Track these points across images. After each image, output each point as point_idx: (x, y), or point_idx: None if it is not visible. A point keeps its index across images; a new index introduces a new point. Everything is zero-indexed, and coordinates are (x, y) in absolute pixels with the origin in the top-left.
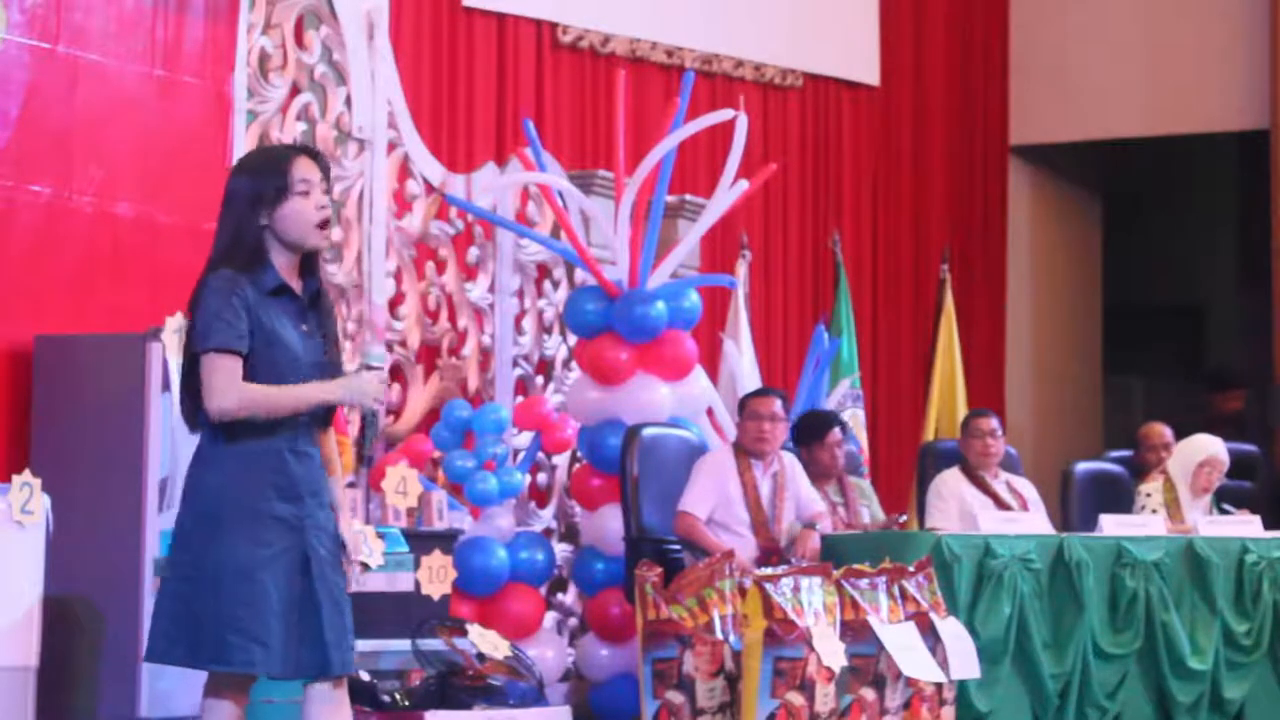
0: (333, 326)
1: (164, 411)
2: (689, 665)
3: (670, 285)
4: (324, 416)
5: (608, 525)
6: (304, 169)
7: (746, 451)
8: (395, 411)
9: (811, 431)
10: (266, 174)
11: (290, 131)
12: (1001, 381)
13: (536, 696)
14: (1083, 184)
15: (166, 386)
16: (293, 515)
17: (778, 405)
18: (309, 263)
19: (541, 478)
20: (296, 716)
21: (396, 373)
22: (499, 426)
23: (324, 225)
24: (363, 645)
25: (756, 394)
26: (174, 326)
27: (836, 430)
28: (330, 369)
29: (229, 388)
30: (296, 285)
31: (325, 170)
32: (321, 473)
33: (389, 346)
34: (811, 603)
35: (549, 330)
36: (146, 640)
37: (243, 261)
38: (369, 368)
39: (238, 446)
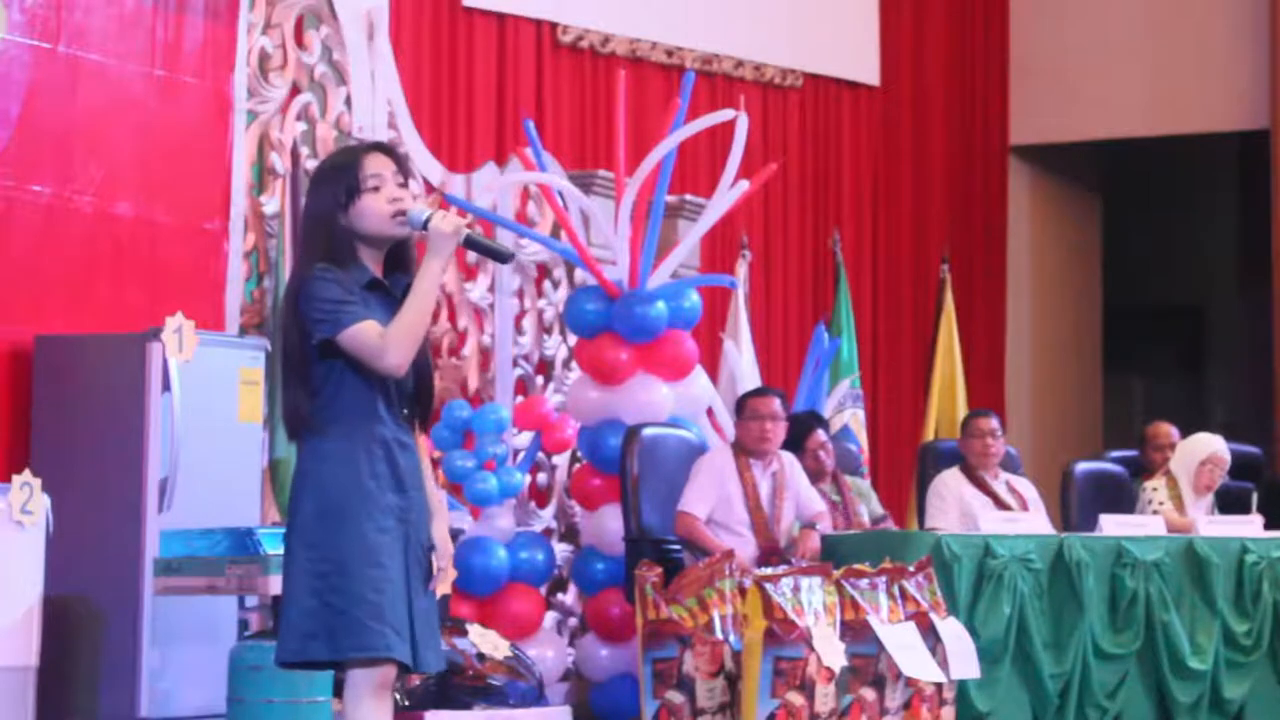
0: None
1: (164, 411)
2: (689, 665)
3: (670, 285)
4: (424, 409)
5: (608, 525)
6: (373, 165)
7: (747, 451)
8: None
9: (792, 438)
10: (337, 177)
11: (290, 131)
12: (1001, 381)
13: (536, 696)
14: (1083, 184)
15: (167, 386)
16: (399, 506)
17: (777, 404)
18: (400, 259)
19: (541, 478)
20: (297, 716)
21: None
22: (499, 426)
23: (398, 215)
24: None
25: (756, 394)
26: (174, 326)
27: (818, 433)
28: (421, 363)
29: (386, 343)
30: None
31: (399, 162)
32: (423, 468)
33: None
34: (811, 603)
35: (549, 330)
36: (279, 642)
37: (336, 258)
38: (425, 224)
39: (351, 439)
